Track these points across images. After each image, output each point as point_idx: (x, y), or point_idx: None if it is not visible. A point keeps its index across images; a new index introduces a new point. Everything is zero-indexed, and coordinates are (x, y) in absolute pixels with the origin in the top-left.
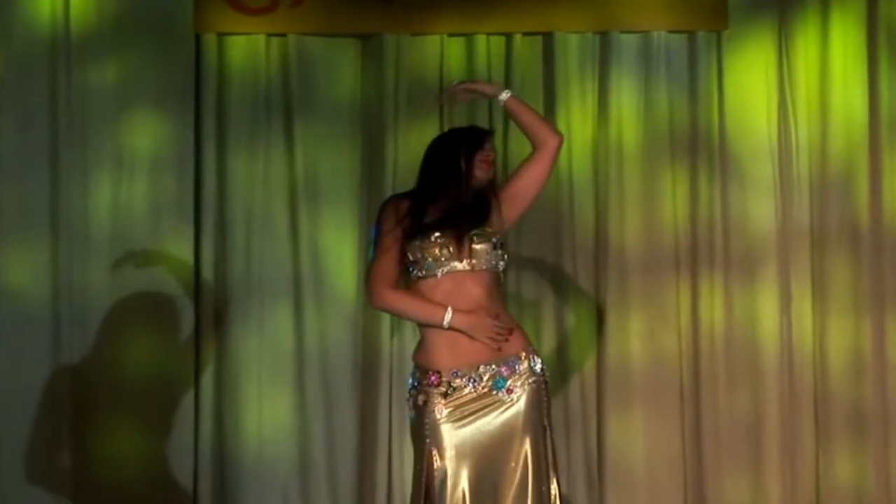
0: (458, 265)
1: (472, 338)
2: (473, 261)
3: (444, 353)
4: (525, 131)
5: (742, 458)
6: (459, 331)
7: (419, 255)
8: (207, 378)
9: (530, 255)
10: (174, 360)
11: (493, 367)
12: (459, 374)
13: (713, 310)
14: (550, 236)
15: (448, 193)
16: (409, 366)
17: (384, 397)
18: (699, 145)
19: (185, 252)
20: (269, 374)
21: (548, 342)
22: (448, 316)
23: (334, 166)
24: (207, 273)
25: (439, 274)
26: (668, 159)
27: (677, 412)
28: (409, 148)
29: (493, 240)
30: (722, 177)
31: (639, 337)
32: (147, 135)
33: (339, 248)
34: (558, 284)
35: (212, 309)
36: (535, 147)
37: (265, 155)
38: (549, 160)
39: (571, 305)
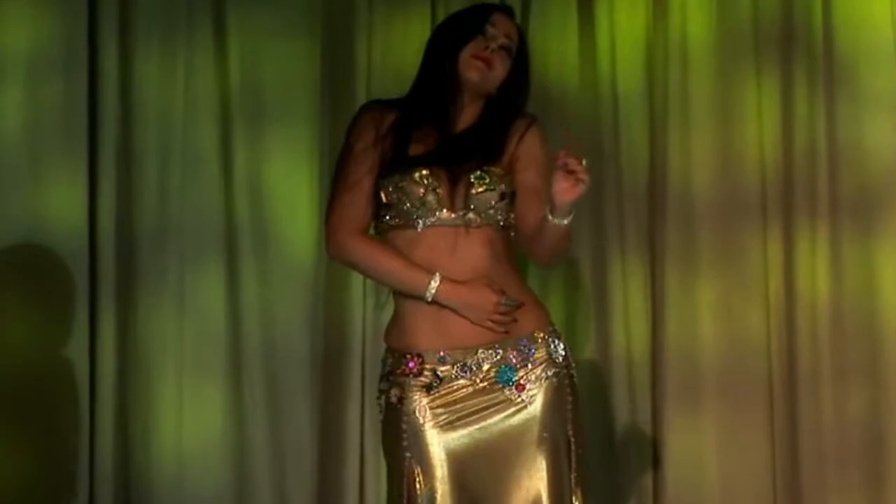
0: (448, 216)
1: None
2: (470, 214)
3: (426, 329)
4: (541, 243)
5: (855, 480)
6: (448, 307)
7: (395, 197)
8: (106, 369)
9: None
10: (60, 343)
11: (498, 351)
12: (448, 359)
13: (815, 275)
14: (588, 173)
15: (429, 112)
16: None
17: (354, 396)
18: (795, 45)
19: (75, 192)
20: (194, 364)
21: (584, 321)
22: (434, 285)
23: (284, 74)
24: (107, 222)
25: (419, 226)
26: (751, 65)
27: (765, 417)
28: (388, 48)
29: (502, 186)
30: (827, 89)
31: (711, 313)
32: (23, 29)
33: (291, 188)
34: (599, 241)
35: (113, 273)
36: (531, 245)
37: (187, 58)
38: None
39: (616, 270)
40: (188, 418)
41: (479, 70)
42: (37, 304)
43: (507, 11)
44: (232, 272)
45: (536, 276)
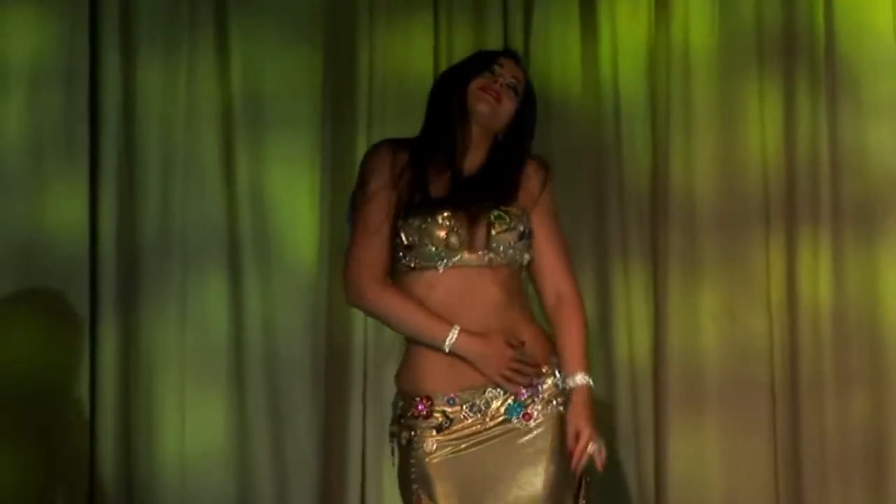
0: (469, 257)
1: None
2: (490, 254)
3: (435, 372)
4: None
5: (857, 485)
6: (463, 358)
7: (416, 239)
8: (108, 379)
9: (562, 207)
10: (61, 352)
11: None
12: (457, 400)
13: (817, 281)
14: (589, 179)
15: (440, 150)
16: (391, 359)
17: (356, 404)
18: (797, 51)
19: (76, 200)
20: (196, 374)
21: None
22: (452, 337)
23: (285, 81)
24: (108, 230)
25: (440, 267)
26: (753, 71)
27: (768, 422)
28: (389, 55)
29: (521, 226)
30: (829, 95)
31: (713, 319)
32: (24, 38)
33: (293, 195)
34: (601, 247)
35: (114, 281)
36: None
37: (188, 66)
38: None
39: (619, 276)
40: (191, 427)
41: (489, 102)
42: (37, 313)
43: (514, 56)
44: (234, 280)
45: None
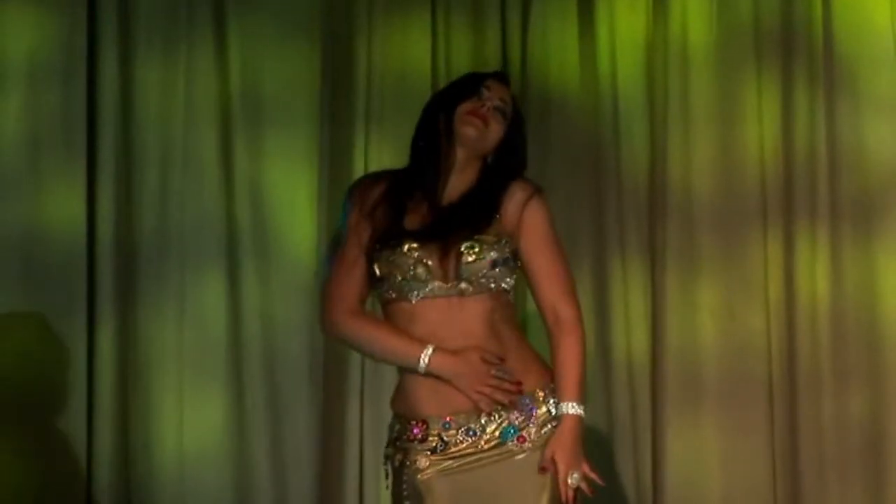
0: (440, 287)
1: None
2: (462, 284)
3: (429, 396)
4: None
5: (855, 482)
6: (441, 378)
7: (387, 271)
8: (105, 375)
9: (558, 203)
10: (58, 351)
11: (501, 413)
12: (452, 424)
13: (815, 278)
14: (587, 176)
15: (421, 177)
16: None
17: (354, 401)
18: (795, 48)
19: (74, 198)
20: (194, 372)
21: (584, 324)
22: (426, 356)
23: (284, 78)
24: (106, 227)
25: (413, 298)
26: (752, 67)
27: (765, 419)
28: (387, 52)
29: (493, 254)
30: (827, 92)
31: (711, 316)
32: (23, 35)
33: (291, 192)
34: (599, 243)
35: (112, 279)
36: (554, 341)
37: (187, 63)
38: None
39: (617, 272)
40: (189, 425)
41: (476, 125)
42: (35, 311)
43: (503, 78)
44: (232, 277)
45: None
